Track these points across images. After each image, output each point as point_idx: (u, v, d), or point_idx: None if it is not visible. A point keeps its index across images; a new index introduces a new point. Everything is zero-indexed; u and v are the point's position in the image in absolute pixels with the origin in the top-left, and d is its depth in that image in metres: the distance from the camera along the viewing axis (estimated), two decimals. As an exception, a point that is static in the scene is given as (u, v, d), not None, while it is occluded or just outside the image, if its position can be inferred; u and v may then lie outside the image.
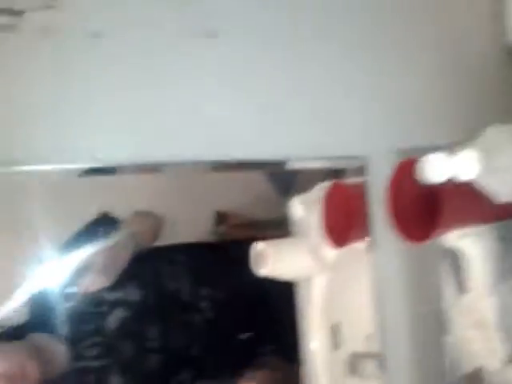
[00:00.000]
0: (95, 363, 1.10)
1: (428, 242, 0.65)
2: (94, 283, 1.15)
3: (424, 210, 0.66)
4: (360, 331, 0.90)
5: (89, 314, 1.14)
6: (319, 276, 0.92)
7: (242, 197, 1.37)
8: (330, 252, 0.89)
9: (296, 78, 0.80)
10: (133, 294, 1.18)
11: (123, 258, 1.19)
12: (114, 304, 1.16)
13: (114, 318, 1.13)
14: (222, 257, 1.53)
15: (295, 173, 0.98)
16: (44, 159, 0.68)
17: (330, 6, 0.82)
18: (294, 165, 0.85)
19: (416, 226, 0.67)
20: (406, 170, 0.64)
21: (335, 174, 0.88)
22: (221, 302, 1.28)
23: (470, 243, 0.73)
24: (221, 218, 1.80)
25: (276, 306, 1.36)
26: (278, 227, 1.03)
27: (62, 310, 1.10)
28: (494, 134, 0.57)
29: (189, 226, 1.57)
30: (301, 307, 0.95)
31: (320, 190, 0.88)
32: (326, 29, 0.82)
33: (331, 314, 0.91)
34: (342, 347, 0.91)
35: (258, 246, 0.91)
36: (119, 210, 1.32)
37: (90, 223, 1.30)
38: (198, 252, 1.45)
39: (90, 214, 1.21)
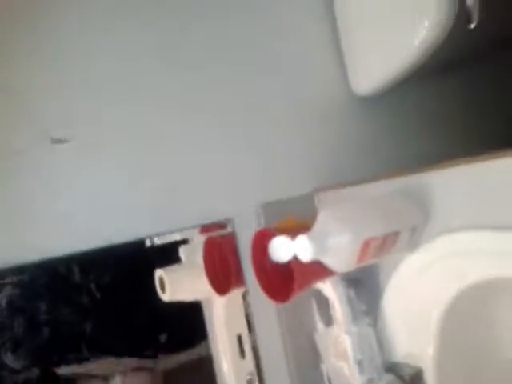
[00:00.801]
0: None
1: (289, 302, 0.75)
2: None
3: (282, 275, 0.74)
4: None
5: None
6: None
7: None
8: None
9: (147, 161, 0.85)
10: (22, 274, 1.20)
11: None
12: (3, 284, 1.18)
13: (3, 296, 1.15)
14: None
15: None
16: None
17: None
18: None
19: (277, 289, 0.76)
20: (260, 244, 0.72)
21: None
22: (111, 286, 1.33)
23: (328, 288, 0.83)
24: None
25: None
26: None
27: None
28: (324, 217, 0.65)
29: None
30: (207, 321, 0.99)
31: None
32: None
33: (234, 326, 0.96)
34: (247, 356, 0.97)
35: (157, 273, 0.95)
36: None
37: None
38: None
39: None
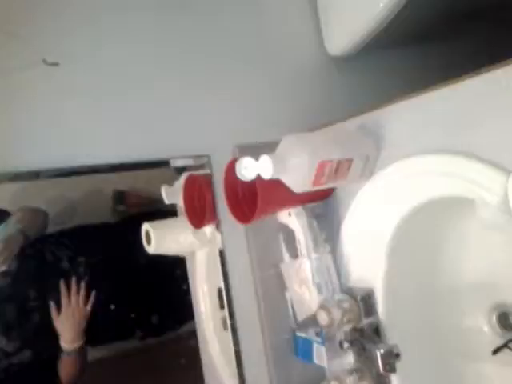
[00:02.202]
0: None
1: (252, 223, 0.83)
2: None
3: (250, 201, 0.83)
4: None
5: None
6: (201, 249, 1.05)
7: (141, 175, 1.46)
8: (208, 229, 1.02)
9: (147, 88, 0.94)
10: (12, 264, 1.29)
11: (14, 250, 1.30)
12: None
13: None
14: (112, 233, 1.66)
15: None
16: None
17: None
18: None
19: (245, 211, 0.84)
20: (232, 169, 0.80)
21: (191, 167, 1.02)
22: (99, 270, 1.43)
23: (293, 220, 0.91)
24: (119, 197, 1.89)
25: (166, 274, 1.51)
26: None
27: None
28: (287, 141, 0.74)
29: (89, 209, 1.66)
30: (190, 275, 1.07)
31: (181, 180, 1.03)
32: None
33: (214, 280, 1.03)
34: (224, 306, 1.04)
35: (144, 227, 1.03)
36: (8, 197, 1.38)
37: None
38: (86, 231, 1.57)
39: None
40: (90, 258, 1.52)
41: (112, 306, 1.52)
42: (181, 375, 1.42)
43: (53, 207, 1.50)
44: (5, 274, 1.33)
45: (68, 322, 1.38)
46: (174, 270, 1.20)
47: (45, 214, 1.51)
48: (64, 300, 1.32)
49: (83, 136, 0.88)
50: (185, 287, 1.11)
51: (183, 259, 1.11)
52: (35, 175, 0.88)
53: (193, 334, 1.11)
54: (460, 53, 1.25)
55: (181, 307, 1.57)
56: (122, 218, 1.79)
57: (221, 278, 1.02)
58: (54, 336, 1.36)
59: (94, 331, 1.55)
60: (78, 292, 1.32)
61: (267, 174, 0.72)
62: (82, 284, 1.34)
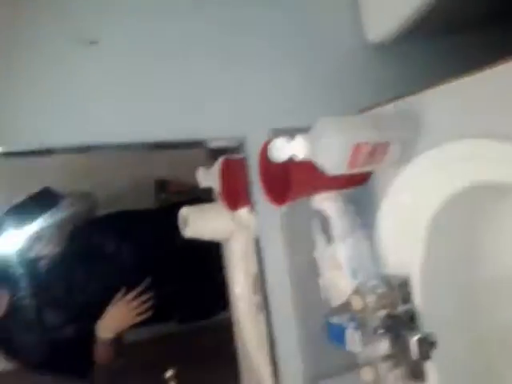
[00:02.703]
0: (33, 302, 1.30)
1: (285, 205, 0.83)
2: (43, 251, 1.32)
3: (284, 183, 0.83)
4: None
5: (26, 261, 1.32)
6: (238, 235, 1.06)
7: (181, 163, 1.49)
8: (244, 214, 1.03)
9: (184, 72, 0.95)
10: (62, 247, 1.35)
11: (64, 234, 1.36)
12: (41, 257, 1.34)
13: (44, 264, 1.31)
14: (154, 219, 1.70)
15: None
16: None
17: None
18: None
19: (279, 193, 0.84)
20: (266, 150, 0.80)
21: (227, 150, 1.03)
22: (141, 254, 1.47)
23: (328, 205, 0.90)
24: (161, 185, 1.94)
25: (205, 261, 1.54)
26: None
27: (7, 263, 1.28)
28: (322, 123, 0.73)
29: (132, 196, 1.71)
30: (226, 262, 1.10)
31: (218, 163, 1.04)
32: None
33: (251, 266, 1.04)
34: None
35: (182, 211, 1.05)
36: (59, 180, 1.44)
37: (32, 197, 1.44)
38: (130, 216, 1.62)
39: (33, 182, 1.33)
40: (133, 242, 1.57)
41: (152, 290, 1.57)
42: (216, 360, 1.44)
43: (100, 192, 1.55)
44: (55, 255, 1.40)
45: (117, 315, 1.43)
46: (211, 256, 1.22)
47: (93, 199, 1.57)
48: (128, 297, 1.37)
49: (121, 114, 0.89)
50: (221, 273, 1.12)
51: (219, 245, 1.13)
52: (74, 150, 0.89)
53: (228, 320, 1.10)
54: (500, 39, 1.20)
55: (217, 293, 1.59)
56: (163, 205, 1.84)
57: (255, 263, 1.02)
58: (95, 318, 1.42)
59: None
60: (141, 297, 1.37)
61: (300, 155, 0.71)
62: (150, 296, 1.39)
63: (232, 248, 1.10)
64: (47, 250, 1.35)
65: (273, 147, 0.74)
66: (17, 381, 1.42)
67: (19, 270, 1.35)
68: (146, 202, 1.76)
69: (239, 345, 1.10)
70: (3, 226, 1.38)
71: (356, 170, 0.76)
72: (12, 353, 1.39)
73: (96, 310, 1.45)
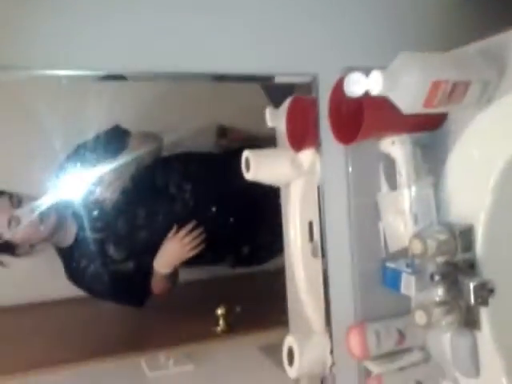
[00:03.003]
0: (96, 235, 1.39)
1: (354, 143, 0.83)
2: (102, 195, 1.41)
3: (353, 119, 0.83)
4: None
5: (91, 199, 1.40)
6: (297, 180, 1.07)
7: (242, 111, 1.50)
8: (306, 159, 1.04)
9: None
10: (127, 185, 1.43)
11: (126, 178, 1.43)
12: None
13: (109, 202, 1.39)
14: (215, 163, 1.74)
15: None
16: (56, 64, 0.81)
17: None
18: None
19: (347, 132, 0.84)
20: (339, 87, 0.80)
21: (299, 88, 1.03)
22: (201, 197, 1.52)
23: (396, 148, 0.90)
24: (222, 132, 1.97)
25: (261, 208, 1.57)
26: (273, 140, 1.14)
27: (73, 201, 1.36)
28: (402, 58, 0.71)
29: (193, 138, 1.75)
30: (283, 207, 1.11)
31: (286, 102, 1.04)
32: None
33: (306, 212, 1.05)
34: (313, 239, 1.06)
35: (245, 154, 1.06)
36: (127, 119, 1.50)
37: (102, 134, 1.51)
38: (193, 158, 1.67)
39: (100, 121, 1.39)
40: (195, 184, 1.62)
41: (207, 231, 1.62)
42: (265, 303, 1.49)
43: (164, 134, 1.60)
44: (120, 193, 1.47)
45: (171, 250, 1.51)
46: (269, 201, 1.24)
47: (160, 140, 1.62)
48: (180, 233, 1.44)
49: (192, 43, 0.90)
50: (278, 219, 1.14)
51: (278, 191, 1.14)
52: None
53: (280, 267, 1.13)
54: None
55: (272, 238, 1.63)
56: (224, 151, 1.88)
57: (313, 210, 1.03)
58: (154, 254, 1.51)
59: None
60: (192, 233, 1.42)
61: (376, 90, 0.71)
62: (200, 232, 1.45)
63: (290, 193, 1.10)
64: (109, 192, 1.43)
65: (349, 81, 0.73)
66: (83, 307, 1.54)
67: (86, 207, 1.43)
68: (207, 147, 1.81)
69: (289, 289, 1.12)
70: (73, 162, 1.47)
71: (432, 110, 0.74)
72: (77, 280, 1.51)
73: (155, 246, 1.53)
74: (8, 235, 1.42)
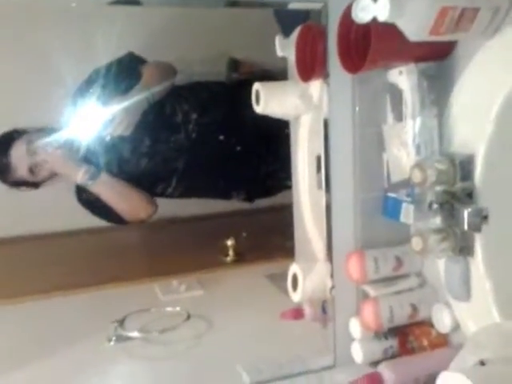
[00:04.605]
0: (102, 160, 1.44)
1: (360, 72, 0.84)
2: (115, 131, 1.44)
3: (361, 48, 0.83)
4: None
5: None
6: (306, 113, 1.08)
7: (255, 42, 1.49)
8: (315, 92, 1.05)
9: None
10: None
11: (138, 113, 1.46)
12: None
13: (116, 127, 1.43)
14: (225, 92, 1.75)
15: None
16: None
17: None
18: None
19: (354, 60, 0.85)
20: (348, 13, 0.80)
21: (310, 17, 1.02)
22: (207, 130, 1.55)
23: (403, 79, 0.90)
24: (233, 65, 1.96)
25: (269, 139, 1.59)
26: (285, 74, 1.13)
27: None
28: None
29: (204, 68, 1.75)
30: (292, 141, 1.13)
31: (296, 31, 1.04)
32: None
33: (314, 146, 1.07)
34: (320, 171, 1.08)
35: (255, 86, 1.07)
36: (139, 47, 1.49)
37: (115, 62, 1.51)
38: (202, 88, 1.68)
39: (112, 48, 1.40)
40: (202, 115, 1.64)
41: (214, 160, 1.66)
42: (273, 235, 1.55)
43: (176, 63, 1.60)
44: (131, 125, 1.49)
45: None
46: (277, 134, 1.26)
47: (173, 71, 1.62)
48: None
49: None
50: (286, 151, 1.17)
51: (287, 124, 1.15)
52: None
53: (288, 206, 1.16)
54: None
55: (280, 172, 1.66)
56: (235, 83, 1.88)
57: (321, 142, 1.04)
58: (156, 182, 1.57)
59: (194, 185, 1.72)
60: None
61: (383, 16, 0.71)
62: None
63: (299, 127, 1.12)
64: (123, 126, 1.45)
65: (357, 7, 0.73)
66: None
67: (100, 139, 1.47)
68: (219, 78, 1.80)
69: (296, 221, 1.16)
70: (87, 89, 1.48)
71: (439, 38, 0.74)
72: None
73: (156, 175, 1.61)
74: (30, 179, 1.48)
